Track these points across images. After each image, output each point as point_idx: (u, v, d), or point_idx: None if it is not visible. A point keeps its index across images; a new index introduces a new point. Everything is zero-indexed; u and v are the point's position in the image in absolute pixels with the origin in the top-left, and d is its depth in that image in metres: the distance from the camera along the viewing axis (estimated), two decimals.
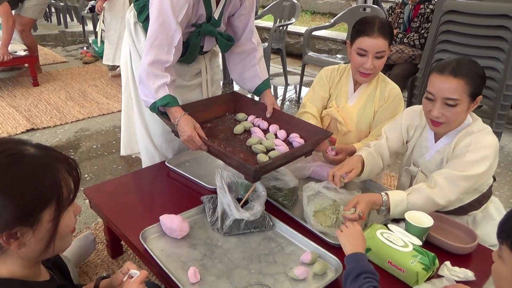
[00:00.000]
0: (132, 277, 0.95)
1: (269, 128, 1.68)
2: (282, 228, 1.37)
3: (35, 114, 3.33)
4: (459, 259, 1.26)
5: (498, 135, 2.80)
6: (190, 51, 1.62)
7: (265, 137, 1.60)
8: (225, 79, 4.31)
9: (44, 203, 0.75)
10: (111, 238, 1.70)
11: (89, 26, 6.24)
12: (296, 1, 4.08)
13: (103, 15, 3.89)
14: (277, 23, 4.24)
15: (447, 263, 1.23)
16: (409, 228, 1.28)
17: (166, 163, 1.74)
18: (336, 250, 1.24)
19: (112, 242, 1.72)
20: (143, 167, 1.92)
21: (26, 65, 4.20)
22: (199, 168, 1.75)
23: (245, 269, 1.20)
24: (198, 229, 1.37)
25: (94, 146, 2.87)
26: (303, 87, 4.03)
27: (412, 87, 3.29)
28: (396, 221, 1.42)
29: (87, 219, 2.04)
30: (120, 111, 1.98)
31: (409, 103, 3.31)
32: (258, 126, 1.69)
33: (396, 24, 3.38)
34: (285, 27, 4.15)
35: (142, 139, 1.87)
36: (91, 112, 3.42)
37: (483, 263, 1.24)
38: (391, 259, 1.18)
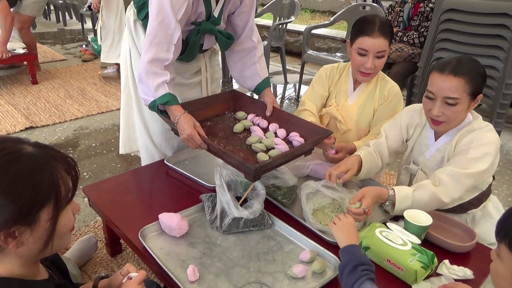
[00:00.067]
0: (131, 279, 0.96)
1: (269, 126, 1.67)
2: (281, 226, 1.37)
3: (34, 112, 3.32)
4: (458, 258, 1.26)
5: (497, 133, 2.81)
6: (189, 49, 1.62)
7: (264, 135, 1.60)
8: (224, 77, 4.31)
9: (42, 202, 0.75)
10: (110, 237, 1.70)
11: (88, 24, 6.24)
12: None
13: (102, 13, 3.88)
14: (277, 21, 4.23)
15: (446, 261, 1.23)
16: (408, 227, 1.28)
17: (165, 161, 1.74)
18: (335, 248, 1.24)
19: (111, 240, 1.72)
20: (142, 165, 1.92)
21: (25, 63, 4.19)
22: (198, 167, 1.75)
23: (244, 267, 1.20)
24: (197, 228, 1.37)
25: (93, 144, 2.87)
26: (302, 86, 4.02)
27: (412, 86, 3.29)
28: (395, 219, 1.42)
29: (86, 217, 2.04)
30: (119, 109, 1.98)
31: (409, 102, 3.31)
32: (258, 125, 1.68)
33: (396, 22, 3.38)
34: (284, 25, 4.14)
35: (141, 137, 1.87)
36: (90, 110, 3.41)
37: (481, 261, 1.24)
38: (390, 258, 1.18)
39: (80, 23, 6.35)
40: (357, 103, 1.77)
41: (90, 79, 4.18)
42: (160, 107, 1.51)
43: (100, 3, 3.81)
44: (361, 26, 1.61)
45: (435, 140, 1.47)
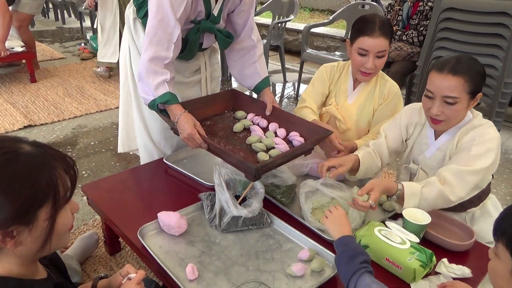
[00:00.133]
0: (131, 280, 0.96)
1: (269, 126, 1.67)
2: (280, 225, 1.37)
3: (33, 111, 3.32)
4: (456, 256, 1.27)
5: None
6: (189, 47, 1.61)
7: (264, 135, 1.60)
8: (223, 76, 4.30)
9: (40, 202, 0.74)
10: (109, 235, 1.70)
11: (87, 22, 6.22)
12: None
13: (98, 12, 3.87)
14: (276, 19, 4.23)
15: (444, 260, 1.23)
16: (407, 225, 1.29)
17: (164, 160, 1.74)
18: (334, 246, 1.24)
19: (110, 239, 1.71)
20: (141, 163, 1.92)
21: (23, 61, 4.18)
22: (197, 165, 1.75)
23: (243, 266, 1.20)
24: (196, 226, 1.37)
25: (92, 143, 2.87)
26: (301, 84, 4.02)
27: (411, 85, 3.30)
28: (394, 218, 1.42)
29: (85, 216, 2.04)
30: (118, 107, 1.98)
31: (408, 101, 3.32)
32: (258, 124, 1.68)
33: (395, 21, 3.38)
34: (283, 24, 4.14)
35: (140, 135, 1.86)
36: (88, 109, 3.41)
37: (480, 260, 1.25)
38: (388, 256, 1.18)
39: (79, 21, 6.33)
40: (357, 102, 1.77)
41: (89, 77, 4.17)
42: (160, 106, 1.51)
43: (94, 1, 3.79)
44: (361, 26, 1.61)
45: (435, 139, 1.47)
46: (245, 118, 1.73)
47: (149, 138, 1.84)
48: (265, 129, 1.66)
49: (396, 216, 1.43)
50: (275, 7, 4.28)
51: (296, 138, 1.56)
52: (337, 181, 1.52)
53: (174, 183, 1.64)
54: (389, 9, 3.48)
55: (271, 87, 1.80)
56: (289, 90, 4.21)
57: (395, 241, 1.20)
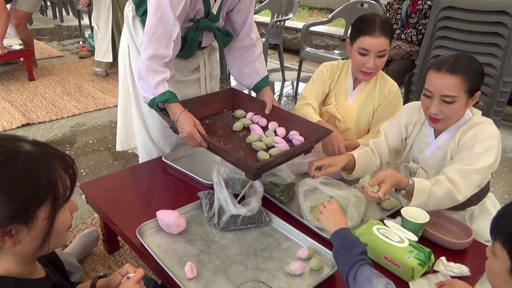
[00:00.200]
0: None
1: (268, 125, 1.67)
2: (278, 223, 1.37)
3: (31, 109, 3.31)
4: (455, 255, 1.27)
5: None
6: (188, 46, 1.61)
7: (264, 134, 1.60)
8: (222, 74, 4.29)
9: (40, 201, 0.74)
10: (107, 234, 1.70)
11: (85, 20, 6.19)
12: None
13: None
14: (275, 18, 4.22)
15: (443, 258, 1.24)
16: (405, 224, 1.29)
17: (163, 158, 1.73)
18: (333, 245, 1.24)
19: (109, 237, 1.71)
20: (140, 162, 1.92)
21: (21, 59, 4.17)
22: (196, 164, 1.75)
23: (241, 264, 1.20)
24: (194, 225, 1.37)
25: (90, 141, 2.86)
26: (300, 83, 4.02)
27: (409, 83, 3.30)
28: (392, 217, 1.43)
29: (83, 214, 2.03)
30: (117, 106, 1.97)
31: (406, 99, 3.32)
32: (257, 123, 1.68)
33: (394, 20, 3.38)
34: (282, 22, 4.13)
35: (139, 134, 1.86)
36: (87, 107, 3.40)
37: (478, 258, 1.25)
38: (387, 255, 1.18)
39: (77, 19, 6.31)
40: (357, 102, 1.76)
41: (87, 76, 4.16)
42: (160, 105, 1.50)
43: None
44: (361, 26, 1.60)
45: (435, 138, 1.47)
46: (245, 117, 1.72)
47: (148, 136, 1.84)
48: (264, 128, 1.66)
49: (395, 215, 1.44)
50: (274, 6, 4.28)
51: (296, 137, 1.55)
52: (336, 179, 1.52)
53: (172, 182, 1.64)
54: (388, 7, 3.48)
55: (270, 86, 1.79)
56: (288, 89, 4.20)
57: (394, 239, 1.20)
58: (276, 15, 4.26)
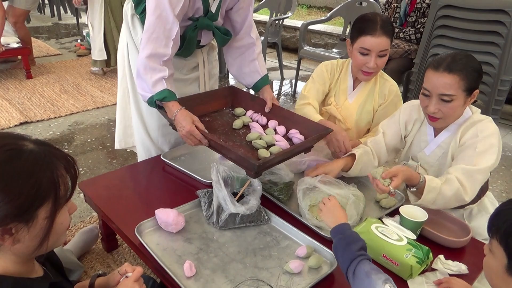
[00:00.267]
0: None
1: (268, 123, 1.67)
2: (277, 222, 1.37)
3: (29, 107, 3.30)
4: (453, 253, 1.28)
5: None
6: (186, 45, 1.61)
7: (264, 132, 1.60)
8: (220, 73, 4.29)
9: (41, 200, 0.74)
10: (106, 232, 1.70)
11: (83, 19, 6.17)
12: None
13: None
14: (273, 17, 4.22)
15: (441, 256, 1.24)
16: (404, 222, 1.29)
17: (161, 157, 1.73)
18: (331, 244, 1.24)
19: (107, 236, 1.71)
20: (138, 160, 1.91)
21: (19, 57, 4.15)
22: (194, 162, 1.75)
23: (240, 263, 1.20)
24: (193, 223, 1.37)
25: (89, 140, 2.86)
26: (298, 82, 4.02)
27: (408, 82, 3.30)
28: (391, 215, 1.43)
29: (82, 213, 2.03)
30: (115, 104, 1.97)
31: (405, 98, 3.32)
32: (257, 121, 1.68)
33: (392, 18, 3.38)
34: (281, 21, 4.13)
35: (138, 132, 1.86)
36: (85, 106, 3.39)
37: (476, 256, 1.26)
38: (385, 253, 1.19)
39: (75, 17, 6.29)
40: (357, 102, 1.76)
41: (85, 74, 4.15)
42: (158, 103, 1.50)
43: None
44: (362, 25, 1.59)
45: (435, 136, 1.47)
46: (244, 115, 1.72)
47: (147, 134, 1.83)
48: (264, 127, 1.66)
49: (393, 213, 1.44)
50: (272, 4, 4.27)
51: (296, 135, 1.56)
52: (334, 177, 1.53)
53: (171, 180, 1.63)
54: (386, 6, 3.48)
55: (270, 85, 1.78)
56: (286, 87, 4.20)
57: (392, 238, 1.21)
58: (274, 14, 4.25)
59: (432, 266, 1.22)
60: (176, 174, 1.66)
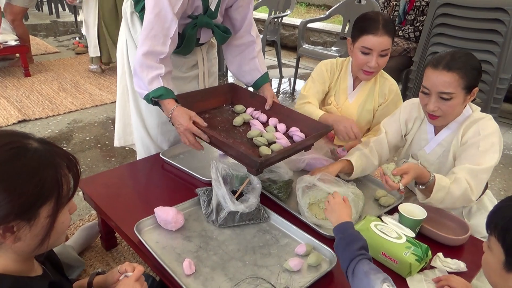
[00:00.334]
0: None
1: (269, 121, 1.66)
2: (276, 220, 1.37)
3: (27, 105, 3.29)
4: (452, 251, 1.28)
5: None
6: (186, 42, 1.60)
7: (264, 130, 1.59)
8: (219, 71, 4.29)
9: (44, 199, 0.74)
10: (105, 230, 1.69)
11: (81, 16, 6.15)
12: None
13: (83, 7, 3.84)
14: (272, 15, 4.21)
15: (440, 254, 1.24)
16: (403, 220, 1.30)
17: (160, 155, 1.73)
18: (330, 242, 1.25)
19: (106, 234, 1.71)
20: (138, 158, 1.91)
21: (17, 55, 4.14)
22: (193, 161, 1.75)
23: (240, 261, 1.21)
24: (193, 221, 1.37)
25: (87, 138, 2.85)
26: (297, 80, 4.02)
27: (407, 80, 3.30)
28: (390, 213, 1.43)
29: (81, 211, 2.03)
30: (114, 102, 1.97)
31: (403, 96, 3.32)
32: (257, 119, 1.67)
33: (391, 16, 3.38)
34: (280, 19, 4.12)
35: (137, 130, 1.85)
36: (84, 104, 3.38)
37: (475, 254, 1.26)
38: (384, 251, 1.19)
39: (73, 15, 6.27)
40: (357, 101, 1.76)
41: (84, 72, 4.14)
42: (155, 100, 1.49)
43: None
44: (364, 24, 1.58)
45: (435, 135, 1.47)
46: (244, 112, 1.72)
47: (146, 132, 1.83)
48: (264, 124, 1.65)
49: (392, 211, 1.44)
50: (271, 2, 4.26)
51: (297, 133, 1.55)
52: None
53: (170, 178, 1.63)
54: (385, 4, 3.48)
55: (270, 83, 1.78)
56: (285, 86, 4.20)
57: (391, 235, 1.21)
58: (273, 12, 4.24)
59: (431, 264, 1.22)
60: (175, 172, 1.66)
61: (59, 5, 6.88)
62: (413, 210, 1.32)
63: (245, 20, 1.69)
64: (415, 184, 1.35)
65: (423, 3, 3.18)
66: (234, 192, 1.39)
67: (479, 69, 1.32)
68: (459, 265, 1.20)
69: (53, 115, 3.16)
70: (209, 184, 1.51)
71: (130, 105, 1.85)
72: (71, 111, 3.25)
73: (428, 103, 1.35)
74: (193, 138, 1.45)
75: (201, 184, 1.56)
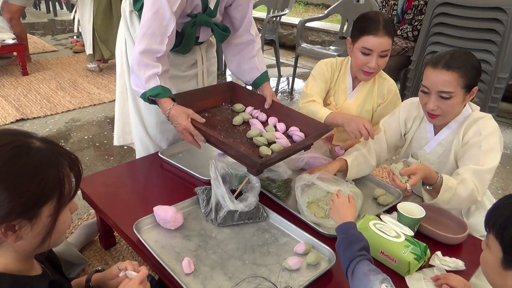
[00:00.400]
0: (128, 277, 0.95)
1: (268, 120, 1.66)
2: (276, 219, 1.37)
3: (25, 104, 3.28)
4: (450, 249, 1.28)
5: None
6: (185, 41, 1.60)
7: (264, 129, 1.59)
8: (218, 70, 4.28)
9: (46, 198, 0.74)
10: (103, 229, 1.69)
11: (77, 14, 6.13)
12: None
13: (78, 5, 3.83)
14: (271, 13, 4.21)
15: (438, 253, 1.25)
16: (401, 219, 1.30)
17: (159, 154, 1.73)
18: (330, 240, 1.25)
19: (105, 233, 1.71)
20: (137, 157, 1.91)
21: (15, 54, 4.12)
22: (192, 159, 1.75)
23: (239, 259, 1.21)
24: (192, 220, 1.37)
25: (86, 137, 2.84)
26: (296, 79, 4.02)
27: (405, 79, 3.31)
28: (389, 212, 1.43)
29: (80, 210, 2.03)
30: (112, 101, 1.96)
31: (402, 96, 3.33)
32: (257, 118, 1.67)
33: (390, 15, 3.38)
34: (278, 18, 4.12)
35: (136, 129, 1.85)
36: (82, 102, 3.37)
37: (473, 253, 1.27)
38: (383, 250, 1.19)
39: (71, 13, 6.24)
40: (357, 101, 1.76)
41: (82, 70, 4.13)
42: (152, 99, 1.49)
43: None
44: (364, 25, 1.57)
45: (435, 134, 1.47)
46: (244, 111, 1.72)
47: (145, 131, 1.83)
48: (264, 123, 1.65)
49: (391, 210, 1.45)
50: (269, 1, 4.26)
51: (296, 133, 1.55)
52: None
53: (169, 177, 1.63)
54: (384, 3, 3.48)
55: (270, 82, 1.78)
56: (284, 85, 4.20)
57: (390, 234, 1.21)
58: (272, 11, 4.24)
59: (429, 263, 1.23)
60: (174, 171, 1.66)
61: (56, 3, 6.85)
62: (412, 209, 1.32)
63: (245, 18, 1.69)
64: (422, 184, 1.35)
65: (422, 2, 3.19)
66: (233, 191, 1.39)
67: (478, 68, 1.32)
68: (457, 263, 1.21)
69: (51, 114, 3.15)
70: (208, 183, 1.51)
71: (129, 104, 1.84)
72: (69, 110, 3.24)
73: (427, 102, 1.36)
74: (191, 138, 1.45)
75: (200, 183, 1.56)
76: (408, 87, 3.25)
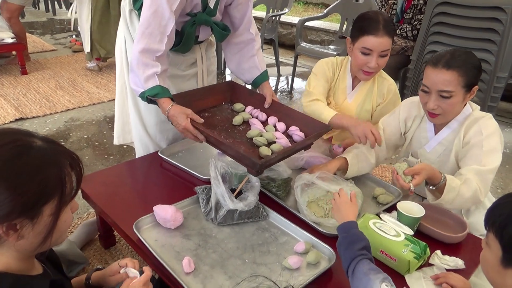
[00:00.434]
0: (129, 275, 0.95)
1: (268, 120, 1.66)
2: (275, 218, 1.38)
3: (24, 103, 3.27)
4: (450, 248, 1.29)
5: None
6: (185, 40, 1.60)
7: (264, 129, 1.59)
8: (217, 69, 4.28)
9: (47, 197, 0.74)
10: (103, 229, 1.69)
11: (75, 13, 6.12)
12: None
13: (75, 3, 3.83)
14: (270, 13, 4.21)
15: (438, 252, 1.25)
16: (401, 218, 1.30)
17: (159, 153, 1.73)
18: (329, 239, 1.25)
19: (105, 232, 1.71)
20: (136, 156, 1.91)
21: (14, 53, 4.11)
22: (192, 159, 1.75)
23: (239, 258, 1.21)
24: (191, 220, 1.37)
25: (85, 136, 2.84)
26: (295, 78, 4.02)
27: (404, 79, 3.31)
28: (388, 211, 1.44)
29: (79, 209, 2.02)
30: (111, 100, 1.96)
31: (401, 95, 3.32)
32: (257, 117, 1.67)
33: (389, 15, 3.38)
34: (277, 17, 4.12)
35: (136, 128, 1.85)
36: (81, 102, 3.37)
37: (473, 251, 1.27)
38: (383, 249, 1.19)
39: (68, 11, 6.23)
40: (356, 101, 1.76)
41: (81, 70, 4.13)
42: (150, 99, 1.49)
43: None
44: (364, 24, 1.57)
45: (436, 133, 1.47)
46: (243, 111, 1.72)
47: (145, 131, 1.83)
48: (264, 123, 1.65)
49: (391, 209, 1.45)
50: (269, 0, 4.26)
51: (296, 132, 1.55)
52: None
53: (169, 177, 1.63)
54: (383, 3, 3.48)
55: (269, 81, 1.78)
56: (283, 84, 4.20)
57: (390, 233, 1.21)
58: (271, 10, 4.24)
59: (429, 261, 1.23)
60: (174, 171, 1.66)
61: (55, 2, 6.84)
62: (412, 208, 1.32)
63: (245, 17, 1.69)
64: (425, 184, 1.35)
65: (421, 1, 3.19)
66: (233, 190, 1.39)
67: (478, 67, 1.33)
68: (457, 262, 1.21)
69: (51, 113, 3.14)
70: (208, 182, 1.51)
71: (128, 103, 1.84)
72: (68, 109, 3.24)
73: (428, 101, 1.36)
74: (193, 136, 1.45)
75: (200, 182, 1.56)
76: (408, 86, 3.25)
